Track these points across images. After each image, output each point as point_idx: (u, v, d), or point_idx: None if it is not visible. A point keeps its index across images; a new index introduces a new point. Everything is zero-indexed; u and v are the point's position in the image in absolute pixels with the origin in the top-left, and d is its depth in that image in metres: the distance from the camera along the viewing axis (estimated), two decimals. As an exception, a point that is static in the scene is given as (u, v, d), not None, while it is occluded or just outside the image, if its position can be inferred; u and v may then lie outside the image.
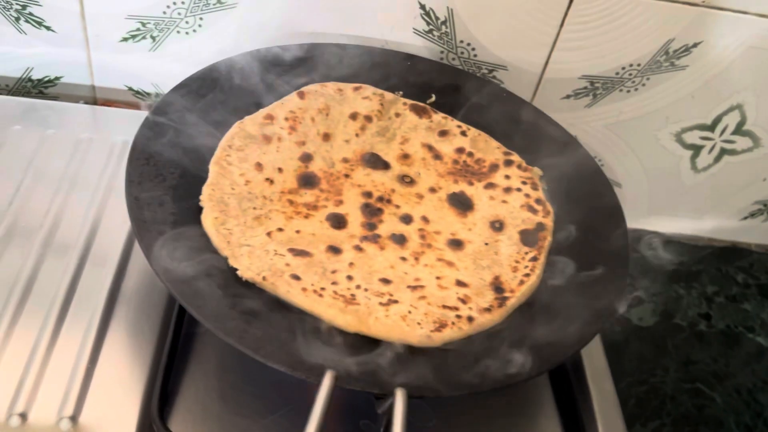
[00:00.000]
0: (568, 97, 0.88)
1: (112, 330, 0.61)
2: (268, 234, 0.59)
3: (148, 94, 0.88)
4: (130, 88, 0.88)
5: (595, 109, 0.90)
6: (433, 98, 0.78)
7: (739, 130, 0.92)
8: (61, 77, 0.86)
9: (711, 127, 0.92)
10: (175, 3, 0.79)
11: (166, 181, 0.60)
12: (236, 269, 0.55)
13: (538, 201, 0.67)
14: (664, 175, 0.98)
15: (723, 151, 0.94)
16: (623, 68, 0.85)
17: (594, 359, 0.68)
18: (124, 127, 0.80)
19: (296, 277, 0.56)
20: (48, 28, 0.81)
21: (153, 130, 0.63)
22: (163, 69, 0.85)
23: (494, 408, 0.64)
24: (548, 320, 0.57)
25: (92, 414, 0.55)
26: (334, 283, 0.57)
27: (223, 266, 0.56)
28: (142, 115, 0.82)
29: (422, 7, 0.80)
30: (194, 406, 0.58)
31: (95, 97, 0.88)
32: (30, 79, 0.86)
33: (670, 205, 1.01)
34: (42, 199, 0.70)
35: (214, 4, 0.79)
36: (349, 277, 0.57)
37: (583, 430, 0.61)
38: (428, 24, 0.82)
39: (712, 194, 1.00)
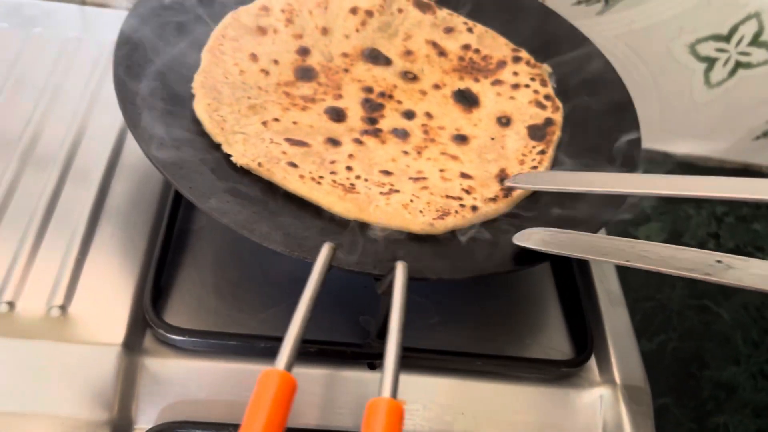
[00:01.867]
0: (579, 2, 0.84)
1: (102, 224, 0.59)
2: (264, 123, 0.56)
3: (140, -2, 0.84)
4: (120, -9, 0.84)
5: (607, 16, 0.86)
6: (437, -5, 0.74)
7: (755, 41, 0.88)
8: (48, -22, 0.82)
9: (727, 38, 0.88)
10: None
11: (155, 66, 0.57)
12: (230, 155, 0.53)
13: (546, 97, 0.64)
14: (676, 91, 0.94)
15: (738, 65, 0.91)
16: (637, -29, 0.81)
17: (602, 265, 0.66)
18: (115, 28, 0.78)
19: (293, 165, 0.53)
20: None
21: (142, 17, 0.60)
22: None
23: (497, 307, 0.62)
24: (556, 207, 0.55)
25: (83, 304, 0.53)
26: (332, 172, 0.54)
27: (216, 154, 0.53)
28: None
29: None
30: (189, 299, 0.56)
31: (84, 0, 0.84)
32: (16, -19, 0.82)
33: (681, 124, 0.98)
34: (26, 102, 0.67)
35: None
36: (349, 168, 0.55)
37: (587, 327, 0.59)
38: None
39: (725, 113, 0.96)
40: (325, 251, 0.42)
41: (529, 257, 0.50)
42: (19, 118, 0.65)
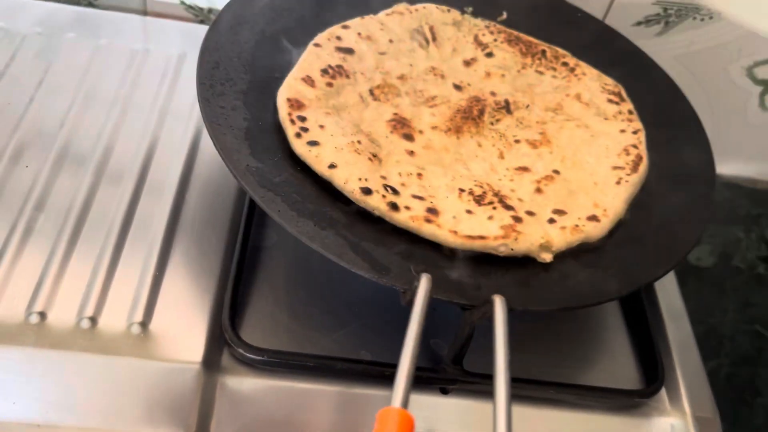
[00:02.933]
0: (639, 23, 0.84)
1: (178, 239, 0.59)
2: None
3: (201, 8, 0.85)
4: (183, 2, 0.84)
5: (666, 37, 0.86)
6: (505, 15, 0.74)
7: (816, 64, 0.87)
8: (111, -13, 0.83)
9: (788, 62, 0.87)
10: None
11: (237, 86, 0.58)
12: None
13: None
14: (731, 113, 0.94)
15: (796, 88, 0.90)
16: (701, -7, 0.81)
17: (669, 294, 0.66)
18: (178, 39, 0.78)
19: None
20: (101, -67, 0.78)
21: (221, 33, 0.60)
22: (218, -19, 0.82)
23: (564, 333, 0.62)
24: (632, 245, 0.55)
25: (162, 321, 0.54)
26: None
27: (300, 176, 0.54)
28: (196, 27, 0.81)
29: None
30: (264, 318, 0.57)
31: (146, 11, 0.85)
32: (80, -11, 0.83)
33: (734, 145, 0.97)
34: (97, 116, 0.67)
35: None
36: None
37: (657, 355, 0.59)
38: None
39: (783, 135, 0.96)
40: (424, 284, 0.42)
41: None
42: (91, 131, 0.66)
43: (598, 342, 0.62)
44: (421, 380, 0.54)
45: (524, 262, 0.52)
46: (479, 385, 0.54)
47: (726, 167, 1.00)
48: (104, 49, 0.74)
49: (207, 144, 0.67)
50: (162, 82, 0.72)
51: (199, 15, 0.86)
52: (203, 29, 0.80)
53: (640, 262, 0.53)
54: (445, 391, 0.55)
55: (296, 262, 0.61)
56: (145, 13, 0.85)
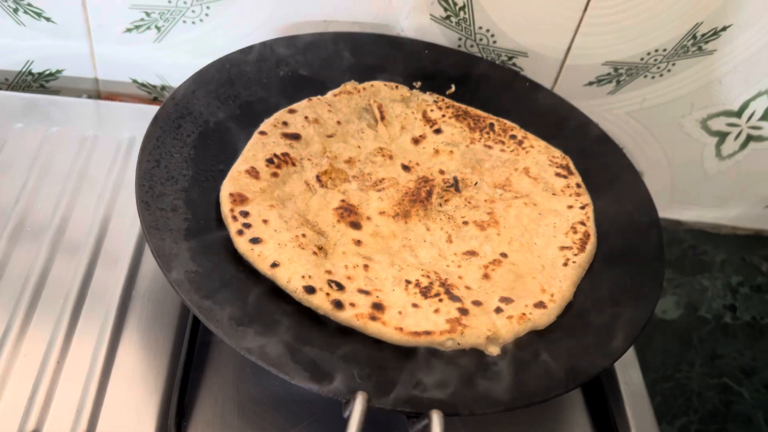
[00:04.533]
0: (590, 84, 0.85)
1: (125, 339, 0.58)
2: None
3: (154, 86, 0.85)
4: (135, 81, 0.84)
5: (618, 96, 0.86)
6: (453, 89, 0.75)
7: (766, 116, 0.88)
8: (62, 70, 0.83)
9: (738, 113, 0.88)
10: (180, -8, 0.75)
11: (178, 184, 0.57)
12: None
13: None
14: (688, 163, 0.94)
15: (749, 138, 0.91)
16: (649, 53, 0.82)
17: (627, 366, 0.65)
18: (130, 122, 0.78)
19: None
20: (48, 19, 0.77)
21: (162, 128, 0.60)
22: (169, 60, 0.82)
23: (518, 416, 0.61)
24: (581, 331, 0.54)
25: (107, 430, 0.53)
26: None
27: (244, 277, 0.53)
28: (148, 108, 0.80)
29: (439, -8, 0.77)
30: (212, 419, 0.56)
31: (98, 91, 0.85)
32: (30, 73, 0.83)
33: (693, 193, 0.98)
34: (49, 198, 0.67)
35: (221, -7, 0.76)
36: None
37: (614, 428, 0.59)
38: (446, 10, 0.78)
39: (736, 182, 0.96)
40: (359, 404, 0.42)
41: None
42: (46, 207, 0.66)
43: (558, 427, 0.62)
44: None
45: (471, 354, 0.52)
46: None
47: (688, 214, 1.00)
48: (55, 135, 0.74)
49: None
50: (115, 160, 0.72)
51: (152, 92, 0.85)
52: (155, 109, 0.80)
53: (590, 348, 0.53)
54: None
55: (245, 358, 0.60)
56: (98, 94, 0.85)
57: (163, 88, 0.85)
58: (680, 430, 0.66)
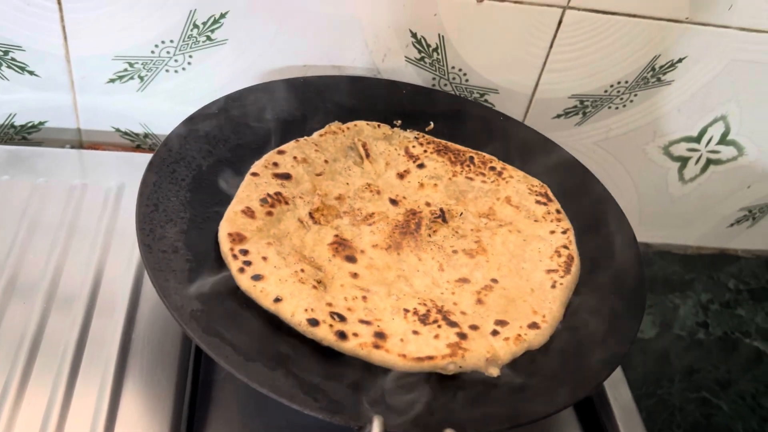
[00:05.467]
0: (558, 116, 0.89)
1: (127, 386, 0.58)
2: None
3: (137, 134, 0.86)
4: (118, 130, 0.86)
5: (585, 126, 0.91)
6: (432, 125, 0.78)
7: (723, 140, 0.94)
8: (45, 122, 0.84)
9: (697, 139, 0.93)
10: (163, 42, 0.77)
11: (177, 226, 0.59)
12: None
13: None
14: (653, 188, 0.99)
15: (709, 162, 0.96)
16: (611, 86, 0.86)
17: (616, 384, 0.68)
18: (116, 169, 0.79)
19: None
20: (31, 72, 0.79)
21: (157, 173, 0.61)
22: (152, 108, 0.84)
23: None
24: (576, 347, 0.57)
25: (116, 475, 0.53)
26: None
27: (248, 314, 0.54)
28: (132, 156, 0.82)
29: (413, 35, 0.80)
30: (220, 456, 0.56)
31: (81, 141, 0.86)
32: (13, 126, 0.83)
33: (660, 217, 1.02)
34: (40, 251, 0.67)
35: (203, 42, 0.78)
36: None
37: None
38: (420, 52, 0.82)
39: (700, 204, 1.02)
40: (377, 427, 0.43)
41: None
42: (37, 261, 0.66)
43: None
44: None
45: (472, 378, 0.54)
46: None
47: (656, 237, 1.05)
48: (42, 186, 0.74)
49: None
50: (104, 209, 0.72)
51: (135, 140, 0.87)
52: (139, 156, 0.82)
53: (583, 365, 0.55)
54: None
55: (249, 392, 0.60)
56: (80, 144, 0.86)
57: (145, 135, 0.86)
58: (666, 445, 0.68)
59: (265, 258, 0.58)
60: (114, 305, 0.64)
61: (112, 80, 0.80)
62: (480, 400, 0.52)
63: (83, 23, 0.75)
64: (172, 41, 0.77)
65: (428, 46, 0.81)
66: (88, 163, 0.80)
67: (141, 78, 0.81)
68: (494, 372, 0.54)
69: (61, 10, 0.74)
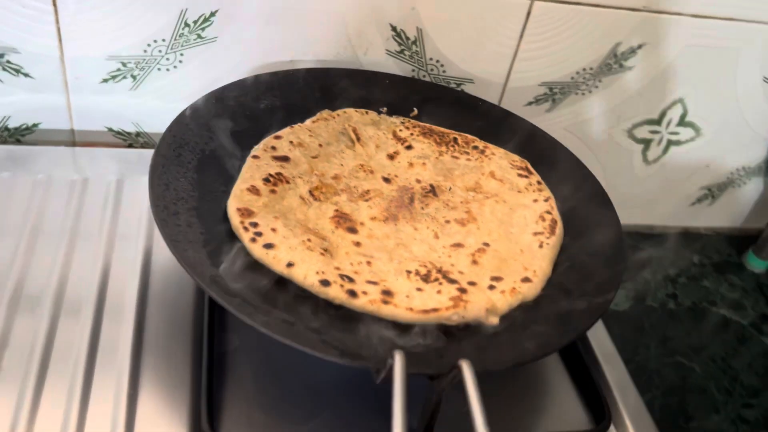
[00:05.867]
0: (530, 103, 0.95)
1: (145, 359, 0.61)
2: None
3: (129, 133, 0.89)
4: (110, 129, 0.88)
5: (555, 112, 0.97)
6: (416, 112, 0.83)
7: (682, 121, 1.01)
8: (39, 124, 0.86)
9: (658, 121, 1.00)
10: (155, 41, 0.81)
11: (188, 203, 0.62)
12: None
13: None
14: (620, 170, 1.05)
15: (670, 143, 1.03)
16: (578, 73, 0.93)
17: (600, 339, 0.73)
18: (111, 165, 0.82)
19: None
20: (26, 74, 0.81)
21: (165, 156, 0.65)
22: (144, 107, 0.87)
23: (516, 393, 0.67)
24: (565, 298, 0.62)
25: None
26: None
27: (262, 280, 0.58)
28: (126, 152, 0.85)
29: (393, 28, 0.85)
30: (240, 419, 0.59)
31: (74, 141, 0.88)
32: (6, 128, 0.85)
33: (627, 198, 1.08)
34: (44, 255, 0.68)
35: (194, 40, 0.82)
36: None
37: (602, 397, 0.66)
38: (400, 45, 0.87)
39: (663, 184, 1.08)
40: (399, 360, 0.47)
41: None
42: (42, 267, 0.67)
43: (546, 394, 0.68)
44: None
45: (473, 330, 0.58)
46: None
47: (624, 217, 1.11)
48: (42, 183, 0.77)
49: (159, 262, 0.70)
50: (105, 207, 0.75)
51: (127, 139, 0.90)
52: (133, 153, 0.85)
53: (573, 312, 0.60)
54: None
55: (261, 361, 0.64)
56: (73, 144, 0.88)
57: (138, 134, 0.89)
58: (647, 404, 0.73)
59: (274, 229, 0.61)
60: (123, 306, 0.65)
61: (105, 80, 0.83)
62: (482, 345, 0.56)
63: (78, 24, 0.78)
64: (164, 40, 0.81)
65: (407, 38, 0.86)
66: (83, 159, 0.83)
67: (134, 77, 0.84)
68: (494, 321, 0.58)
69: (56, 12, 0.77)
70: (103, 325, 0.63)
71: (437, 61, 0.89)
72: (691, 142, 1.04)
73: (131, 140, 0.90)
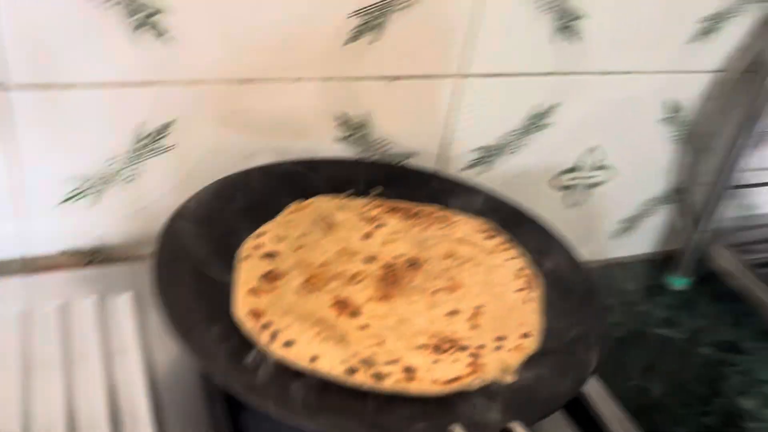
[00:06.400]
0: (468, 167, 1.02)
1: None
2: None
3: (88, 250, 0.87)
4: (65, 252, 0.86)
5: (492, 173, 1.05)
6: (381, 189, 0.87)
7: (599, 167, 1.12)
8: (-13, 254, 0.83)
9: (578, 169, 1.11)
10: (115, 156, 0.81)
11: (198, 314, 0.63)
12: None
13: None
14: (551, 217, 1.14)
15: (589, 186, 1.14)
16: (506, 134, 1.01)
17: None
18: (78, 287, 0.80)
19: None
20: (-28, 205, 0.79)
21: (163, 271, 0.66)
22: (105, 221, 0.86)
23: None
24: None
25: None
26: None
27: (285, 378, 0.60)
28: (83, 273, 0.83)
29: (341, 116, 0.90)
30: None
31: (33, 266, 0.86)
32: (-44, 264, 0.82)
33: (559, 240, 1.17)
34: (46, 391, 0.66)
35: (154, 149, 0.83)
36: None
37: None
38: (347, 130, 0.92)
39: (587, 224, 1.19)
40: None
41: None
42: (46, 402, 0.65)
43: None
44: None
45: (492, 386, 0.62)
46: None
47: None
48: (22, 317, 0.74)
49: (164, 374, 0.69)
50: (96, 326, 0.73)
51: (87, 257, 0.88)
52: (94, 271, 0.83)
53: (575, 359, 0.66)
54: None
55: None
56: (26, 272, 0.85)
57: (96, 251, 0.88)
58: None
59: (287, 326, 0.63)
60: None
61: (64, 200, 0.82)
62: (509, 402, 0.60)
63: (37, 148, 0.77)
64: (126, 152, 0.81)
65: (354, 125, 0.92)
66: (43, 287, 0.80)
67: (94, 193, 0.83)
68: (510, 378, 0.63)
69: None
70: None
71: (383, 141, 0.95)
72: (610, 182, 1.15)
73: (90, 257, 0.88)
